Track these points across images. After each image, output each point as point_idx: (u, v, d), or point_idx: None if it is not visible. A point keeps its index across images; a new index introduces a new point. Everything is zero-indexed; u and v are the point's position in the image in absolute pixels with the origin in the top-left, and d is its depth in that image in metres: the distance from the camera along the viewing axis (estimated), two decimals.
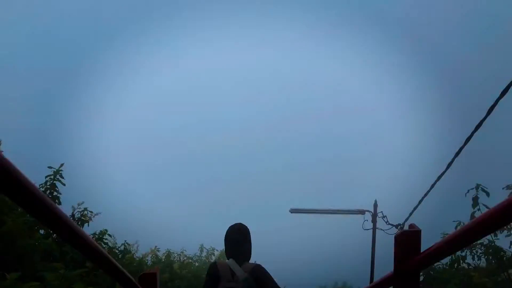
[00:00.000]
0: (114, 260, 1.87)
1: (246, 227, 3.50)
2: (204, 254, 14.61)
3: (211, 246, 14.50)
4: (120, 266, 1.98)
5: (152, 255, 12.33)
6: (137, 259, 11.28)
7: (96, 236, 7.36)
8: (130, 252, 11.02)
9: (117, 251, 10.03)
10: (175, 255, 13.23)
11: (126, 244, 10.51)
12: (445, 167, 6.87)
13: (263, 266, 3.25)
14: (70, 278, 4.02)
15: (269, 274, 3.17)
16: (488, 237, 10.35)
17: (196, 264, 13.94)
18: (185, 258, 13.51)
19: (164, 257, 12.25)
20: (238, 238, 3.34)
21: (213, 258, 13.92)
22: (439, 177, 7.72)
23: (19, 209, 4.64)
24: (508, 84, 4.96)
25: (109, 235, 8.23)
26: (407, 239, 1.86)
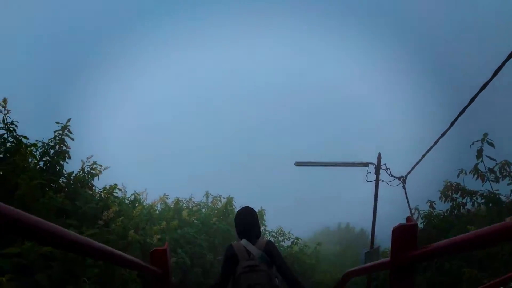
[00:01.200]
0: (121, 253, 1.98)
1: (254, 209, 3.81)
2: (210, 200, 15.14)
3: (217, 194, 14.98)
4: (128, 256, 2.08)
5: (161, 202, 12.78)
6: (147, 206, 11.73)
7: (106, 190, 7.57)
8: (139, 200, 11.43)
9: (127, 201, 10.41)
10: (184, 201, 13.70)
11: (135, 194, 10.88)
12: (447, 125, 6.86)
13: (273, 241, 3.58)
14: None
15: (277, 248, 3.46)
16: (488, 187, 10.57)
17: (203, 210, 14.48)
18: (194, 204, 14.01)
19: (173, 204, 12.68)
20: (250, 220, 3.61)
21: (219, 205, 14.43)
22: (442, 134, 7.71)
23: (31, 171, 4.77)
24: None
25: (119, 189, 8.50)
26: (404, 232, 1.92)
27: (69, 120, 7.53)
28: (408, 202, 9.80)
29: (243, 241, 3.43)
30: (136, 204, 10.83)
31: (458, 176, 11.75)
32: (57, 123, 7.47)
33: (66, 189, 6.82)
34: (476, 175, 10.79)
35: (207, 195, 15.30)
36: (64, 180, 7.11)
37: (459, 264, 8.06)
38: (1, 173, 4.88)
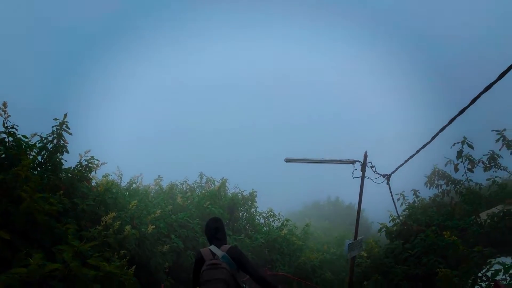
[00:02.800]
0: None
1: (220, 218, 4.28)
2: (204, 180, 15.57)
3: (210, 176, 15.38)
4: None
5: (155, 184, 13.17)
6: (142, 188, 12.15)
7: (103, 185, 7.87)
8: (135, 182, 11.83)
9: (124, 188, 10.79)
10: (178, 184, 14.11)
11: (132, 179, 11.26)
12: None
13: (238, 246, 3.99)
14: (84, 251, 4.59)
15: (243, 253, 3.90)
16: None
17: (197, 190, 14.93)
18: (188, 187, 14.42)
19: (167, 188, 13.08)
20: (216, 226, 4.07)
21: (212, 186, 14.86)
22: (435, 135, 7.89)
23: (32, 183, 5.04)
24: None
25: (116, 185, 8.82)
26: None
27: (65, 115, 7.73)
28: (392, 198, 10.24)
29: (211, 246, 3.91)
30: (132, 187, 11.23)
31: (445, 165, 12.30)
32: (55, 119, 7.68)
33: (64, 186, 7.12)
34: (467, 162, 11.36)
35: (201, 176, 15.73)
36: (63, 176, 7.39)
37: (435, 259, 8.61)
38: (2, 177, 5.12)
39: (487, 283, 6.98)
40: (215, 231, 4.04)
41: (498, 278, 6.45)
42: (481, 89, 6.13)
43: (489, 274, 6.91)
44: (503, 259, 7.44)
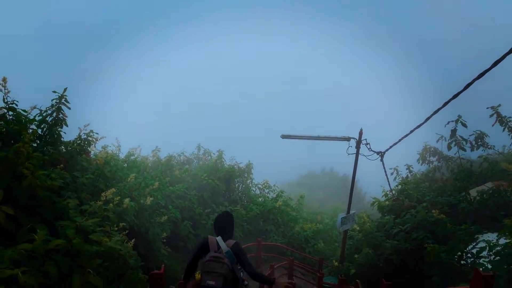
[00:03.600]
0: None
1: (232, 214, 4.49)
2: (201, 152, 15.74)
3: (208, 148, 15.53)
4: None
5: (153, 156, 13.32)
6: (140, 160, 12.30)
7: (103, 158, 7.98)
8: (133, 154, 11.97)
9: (122, 160, 10.92)
10: (176, 156, 14.26)
11: (130, 151, 11.38)
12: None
13: (240, 243, 4.23)
14: (86, 227, 4.76)
15: (244, 250, 4.19)
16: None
17: (195, 161, 15.13)
18: (185, 158, 14.59)
19: (165, 160, 13.23)
20: (226, 221, 4.30)
21: (209, 158, 15.05)
22: (429, 117, 8.03)
23: (34, 159, 5.15)
24: None
25: (114, 158, 8.93)
26: None
27: (65, 89, 7.75)
28: (386, 174, 10.46)
29: (218, 238, 4.14)
30: (130, 159, 11.37)
31: (437, 141, 12.54)
32: (54, 92, 7.69)
33: (64, 159, 7.24)
34: (454, 143, 11.65)
35: (199, 147, 15.89)
36: (63, 149, 7.49)
37: (424, 235, 8.91)
38: (4, 154, 5.21)
39: (472, 259, 7.27)
40: (225, 225, 4.28)
41: (482, 254, 6.71)
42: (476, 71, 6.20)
43: (474, 251, 7.19)
44: (489, 235, 7.73)
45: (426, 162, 13.75)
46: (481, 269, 6.27)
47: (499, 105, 10.73)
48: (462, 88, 6.60)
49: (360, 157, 9.87)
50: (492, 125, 10.60)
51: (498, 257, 5.99)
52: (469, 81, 6.01)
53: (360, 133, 9.53)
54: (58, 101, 7.70)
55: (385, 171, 10.38)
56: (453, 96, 7.16)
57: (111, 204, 6.66)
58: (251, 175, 15.99)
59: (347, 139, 9.46)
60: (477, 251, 6.99)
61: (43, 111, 7.55)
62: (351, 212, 10.26)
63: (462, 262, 7.53)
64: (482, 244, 7.00)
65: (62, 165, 6.74)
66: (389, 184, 10.86)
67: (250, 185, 16.25)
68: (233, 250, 4.04)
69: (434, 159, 13.69)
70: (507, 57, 4.98)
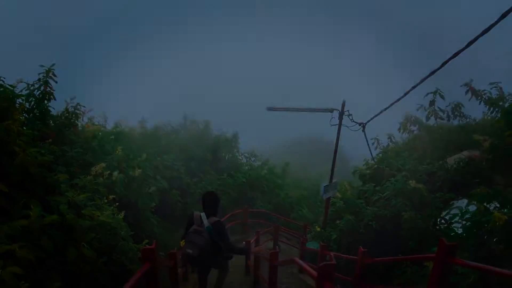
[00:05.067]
0: None
1: (216, 194, 4.95)
2: (188, 122, 15.80)
3: (194, 119, 15.59)
4: None
5: (140, 127, 13.38)
6: (127, 131, 12.38)
7: (90, 131, 8.07)
8: (120, 126, 12.03)
9: (109, 131, 10.98)
10: (163, 126, 14.32)
11: (117, 122, 11.42)
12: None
13: (223, 221, 4.77)
14: (78, 201, 4.96)
15: (225, 228, 4.70)
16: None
17: (182, 132, 15.22)
18: (172, 128, 14.66)
19: (152, 131, 13.32)
20: (210, 200, 4.76)
21: (197, 128, 15.18)
22: (413, 87, 8.24)
23: (25, 136, 5.25)
24: None
25: (103, 128, 8.99)
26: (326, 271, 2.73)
27: (53, 64, 7.72)
28: (368, 144, 10.77)
29: (202, 214, 4.61)
30: (116, 130, 11.44)
31: (417, 110, 12.92)
32: (41, 66, 7.65)
33: (53, 133, 7.32)
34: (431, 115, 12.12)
35: (185, 118, 15.91)
36: (51, 123, 7.55)
37: (403, 202, 9.36)
38: None
39: (445, 225, 7.74)
40: (209, 203, 4.73)
41: (455, 220, 7.16)
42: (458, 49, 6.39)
43: (447, 217, 7.65)
44: (464, 201, 8.17)
45: (407, 131, 14.15)
46: (452, 234, 6.78)
47: (472, 80, 11.05)
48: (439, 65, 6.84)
49: (347, 122, 10.13)
50: (469, 100, 10.95)
51: (469, 223, 6.41)
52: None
53: (343, 105, 9.75)
54: (45, 75, 7.68)
55: (367, 141, 10.72)
56: (430, 73, 7.41)
57: (101, 178, 6.84)
58: (238, 145, 16.23)
59: (330, 110, 9.68)
60: (450, 217, 7.44)
61: (30, 85, 7.54)
62: (333, 181, 10.65)
63: (436, 227, 8.01)
64: (455, 211, 7.46)
65: (50, 139, 6.84)
66: (371, 153, 11.22)
67: (237, 154, 16.51)
68: (213, 226, 4.50)
69: (415, 128, 14.08)
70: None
